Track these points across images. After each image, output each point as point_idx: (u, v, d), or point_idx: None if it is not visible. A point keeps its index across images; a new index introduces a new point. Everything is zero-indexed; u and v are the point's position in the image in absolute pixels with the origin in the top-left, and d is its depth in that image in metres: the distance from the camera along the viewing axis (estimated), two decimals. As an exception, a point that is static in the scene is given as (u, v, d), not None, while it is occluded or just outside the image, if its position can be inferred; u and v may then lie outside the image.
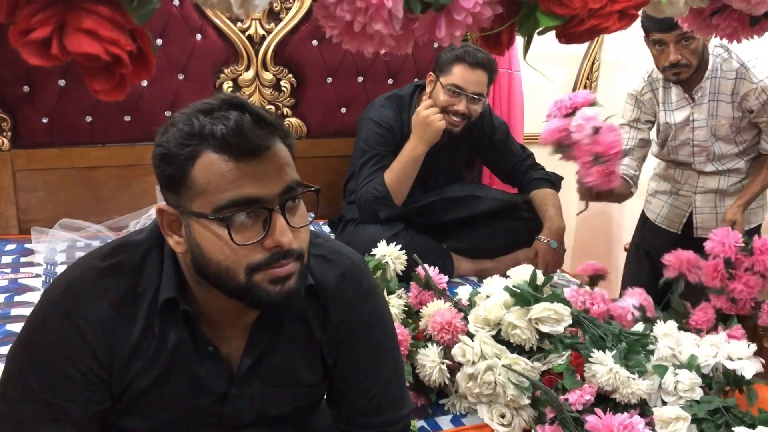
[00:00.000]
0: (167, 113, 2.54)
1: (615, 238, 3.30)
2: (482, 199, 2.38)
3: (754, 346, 1.56)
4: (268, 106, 2.65)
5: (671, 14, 0.74)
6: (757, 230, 2.31)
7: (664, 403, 1.43)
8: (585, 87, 3.30)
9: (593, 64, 3.27)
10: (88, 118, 2.44)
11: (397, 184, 2.24)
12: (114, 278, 0.92)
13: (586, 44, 3.25)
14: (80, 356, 0.89)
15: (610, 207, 3.36)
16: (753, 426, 1.30)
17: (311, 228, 1.10)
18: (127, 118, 2.49)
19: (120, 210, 2.47)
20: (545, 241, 2.27)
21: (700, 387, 1.44)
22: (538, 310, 1.45)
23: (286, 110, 2.69)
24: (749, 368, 1.49)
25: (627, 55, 3.18)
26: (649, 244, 2.46)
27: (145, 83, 2.47)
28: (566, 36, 0.68)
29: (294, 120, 2.71)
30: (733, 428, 1.29)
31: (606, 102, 3.28)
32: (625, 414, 1.16)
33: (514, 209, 2.43)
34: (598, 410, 1.19)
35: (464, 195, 2.39)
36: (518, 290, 1.51)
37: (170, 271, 0.93)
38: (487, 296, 1.60)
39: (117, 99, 0.56)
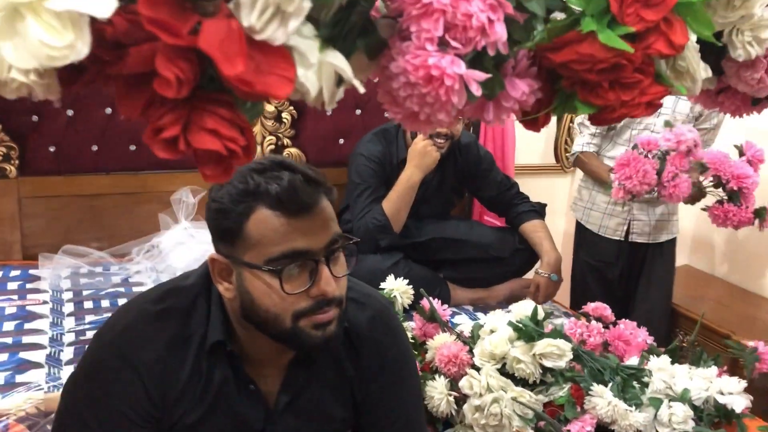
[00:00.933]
0: (171, 143, 2.60)
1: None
2: (476, 244, 2.49)
3: (744, 383, 1.66)
4: (269, 138, 2.73)
5: (689, 95, 0.84)
6: (673, 242, 2.51)
7: (659, 434, 1.52)
8: (571, 120, 3.43)
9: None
10: (94, 147, 2.50)
11: (396, 211, 2.33)
12: (166, 322, 0.99)
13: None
14: (136, 396, 0.96)
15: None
16: (743, 456, 1.40)
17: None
18: (133, 147, 2.55)
19: (123, 237, 2.52)
20: (546, 275, 2.36)
21: (692, 419, 1.53)
22: (542, 345, 1.54)
23: (286, 141, 2.77)
24: (739, 403, 1.59)
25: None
26: (593, 257, 2.62)
27: (150, 114, 2.53)
28: (598, 120, 0.77)
29: (293, 150, 2.79)
30: (724, 459, 1.38)
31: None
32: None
33: (507, 238, 2.53)
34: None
35: (460, 238, 2.48)
36: (522, 326, 1.60)
37: (218, 315, 1.00)
38: (492, 330, 1.68)
39: (222, 181, 0.63)
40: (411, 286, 1.83)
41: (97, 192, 2.53)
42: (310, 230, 0.93)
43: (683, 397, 1.55)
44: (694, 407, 1.59)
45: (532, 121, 0.83)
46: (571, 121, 3.44)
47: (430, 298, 1.84)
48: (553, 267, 2.40)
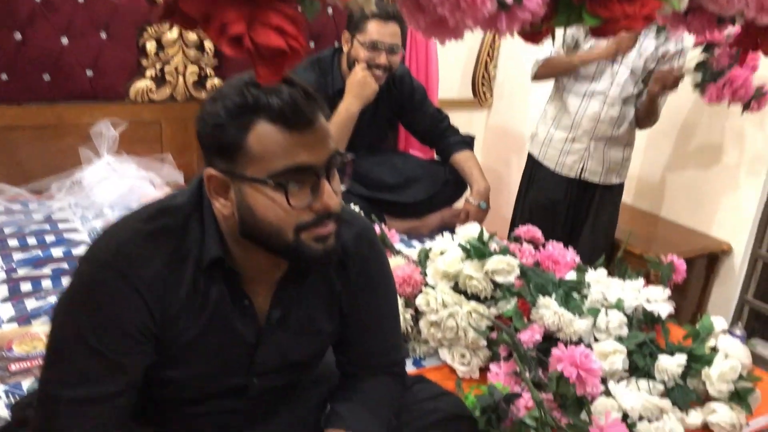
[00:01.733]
0: (89, 72, 2.46)
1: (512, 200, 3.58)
2: (415, 188, 2.53)
3: (668, 291, 1.83)
4: (191, 67, 2.63)
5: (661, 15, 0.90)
6: (622, 187, 2.64)
7: (596, 340, 1.67)
8: (488, 54, 3.51)
9: (495, 33, 3.47)
10: (4, 76, 2.32)
11: (340, 130, 2.31)
12: (161, 240, 0.98)
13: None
14: (139, 314, 0.95)
15: (507, 164, 3.64)
16: (671, 354, 1.55)
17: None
18: (46, 77, 2.39)
19: (40, 172, 2.39)
20: (475, 203, 2.45)
21: (625, 324, 1.68)
22: (494, 262, 1.63)
23: (209, 71, 2.68)
24: (664, 309, 1.76)
25: (527, 26, 3.41)
26: (543, 195, 2.67)
27: (65, 41, 2.38)
28: (600, 32, 0.82)
29: (218, 81, 2.71)
30: (657, 356, 1.54)
31: (507, 68, 3.54)
32: (582, 347, 1.37)
33: (438, 172, 2.60)
34: (560, 344, 1.39)
35: (397, 182, 2.51)
36: (472, 246, 1.68)
37: (213, 233, 1.00)
38: (442, 252, 1.75)
39: (275, 80, 0.63)
40: (362, 212, 1.86)
41: (7, 124, 2.36)
42: (312, 145, 0.93)
43: (618, 306, 1.69)
44: (625, 315, 1.74)
45: (534, 34, 0.87)
46: (488, 56, 3.53)
47: (381, 224, 1.89)
48: (482, 195, 2.49)
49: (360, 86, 2.31)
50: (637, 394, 1.44)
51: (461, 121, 3.60)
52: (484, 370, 1.61)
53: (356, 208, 1.83)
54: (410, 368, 1.65)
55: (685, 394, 1.52)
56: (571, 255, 2.06)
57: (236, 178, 0.94)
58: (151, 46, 2.53)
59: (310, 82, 2.38)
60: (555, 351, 1.37)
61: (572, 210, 2.65)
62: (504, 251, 1.68)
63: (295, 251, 0.96)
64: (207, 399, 1.10)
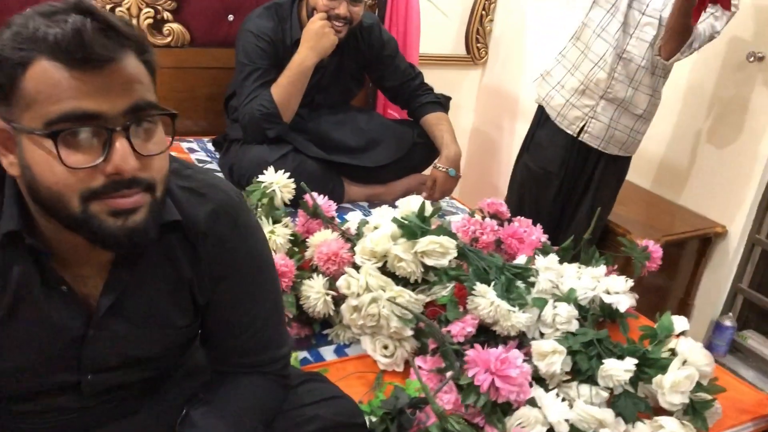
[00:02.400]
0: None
1: (505, 165, 3.34)
2: (378, 151, 2.31)
3: (631, 282, 1.62)
4: (146, 10, 2.42)
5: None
6: (628, 162, 2.39)
7: (542, 335, 1.47)
8: (483, 8, 3.25)
9: (493, -15, 3.21)
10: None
11: (287, 99, 2.12)
12: None
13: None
14: None
15: (500, 128, 3.40)
16: (621, 357, 1.35)
17: (178, 158, 1.00)
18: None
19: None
20: (444, 169, 2.24)
21: (577, 319, 1.48)
22: (424, 243, 1.43)
23: (166, 14, 2.46)
24: (624, 302, 1.55)
25: (527, -22, 3.14)
26: (537, 162, 2.40)
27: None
28: None
29: (176, 26, 2.49)
30: (603, 360, 1.34)
31: (503, 23, 3.27)
32: (501, 348, 1.17)
33: (405, 135, 2.38)
34: (477, 345, 1.20)
35: (359, 145, 2.29)
36: (406, 222, 1.48)
37: (12, 201, 0.82)
38: (375, 227, 1.56)
39: None
40: (292, 180, 1.66)
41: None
42: (103, 90, 0.74)
43: (569, 297, 1.49)
44: (580, 307, 1.54)
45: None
46: (483, 9, 3.26)
47: (313, 193, 1.69)
48: (452, 161, 2.27)
49: (317, 37, 2.09)
50: (572, 404, 1.25)
51: (453, 79, 3.36)
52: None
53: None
54: (331, 356, 1.49)
55: (632, 404, 1.32)
56: (537, 233, 1.85)
57: (16, 127, 0.75)
58: (99, -16, 2.32)
59: (267, 29, 2.17)
60: (470, 352, 1.17)
61: (567, 182, 2.38)
62: (440, 231, 1.47)
63: (85, 226, 0.77)
64: (37, 396, 0.94)
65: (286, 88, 2.11)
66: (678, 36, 2.01)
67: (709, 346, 2.53)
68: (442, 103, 2.42)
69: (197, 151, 2.51)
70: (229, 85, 2.36)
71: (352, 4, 2.12)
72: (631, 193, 2.70)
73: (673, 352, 1.39)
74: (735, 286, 2.49)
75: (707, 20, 2.00)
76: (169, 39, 2.50)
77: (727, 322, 2.46)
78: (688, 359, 1.35)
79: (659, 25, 2.10)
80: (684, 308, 2.58)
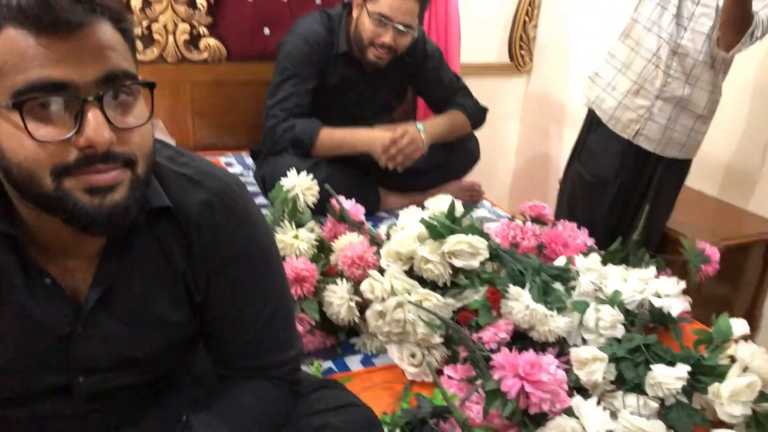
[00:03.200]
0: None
1: (553, 174, 3.21)
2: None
3: (683, 284, 1.49)
4: (182, 26, 2.43)
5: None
6: (688, 165, 2.23)
7: (585, 342, 1.35)
8: (527, 14, 3.16)
9: (536, -9, 3.11)
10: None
11: (327, 149, 2.08)
12: None
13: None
14: None
15: (547, 137, 3.27)
16: (672, 363, 1.22)
17: (172, 144, 0.95)
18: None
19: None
20: (416, 124, 2.16)
21: (623, 324, 1.36)
22: (452, 243, 1.34)
23: (202, 30, 2.47)
24: (676, 306, 1.42)
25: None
26: (589, 170, 2.27)
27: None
28: None
29: (212, 41, 2.49)
30: (651, 366, 1.21)
31: (547, 28, 3.16)
32: (531, 352, 1.06)
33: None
34: (504, 348, 1.09)
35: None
36: (434, 222, 1.39)
37: None
38: (402, 228, 1.48)
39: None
40: (315, 181, 1.60)
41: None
42: (72, 57, 0.68)
43: (613, 300, 1.37)
44: (627, 312, 1.41)
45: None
46: (527, 15, 3.16)
47: (340, 197, 1.62)
48: (427, 131, 2.15)
49: (373, 145, 2.08)
50: (617, 415, 1.13)
51: (497, 88, 3.27)
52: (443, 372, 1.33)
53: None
54: (357, 367, 1.40)
55: (686, 416, 1.19)
56: (583, 237, 1.73)
57: None
58: (135, 1, 2.34)
59: (318, 35, 2.14)
60: (497, 356, 1.07)
61: (624, 190, 2.23)
62: (470, 230, 1.37)
63: (59, 204, 0.71)
64: (25, 401, 0.89)
65: (334, 145, 2.09)
66: (736, 26, 1.87)
67: (781, 361, 2.33)
68: (470, 111, 2.32)
69: (234, 165, 2.49)
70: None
71: (399, 35, 2.06)
72: (694, 199, 2.53)
73: (733, 359, 1.25)
74: (807, 294, 2.30)
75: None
76: (205, 54, 2.50)
77: (799, 335, 2.26)
78: (750, 365, 1.21)
79: (716, 15, 1.96)
80: (751, 319, 2.38)
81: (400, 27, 2.04)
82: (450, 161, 2.29)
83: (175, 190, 0.86)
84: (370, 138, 2.10)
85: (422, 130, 2.13)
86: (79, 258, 0.84)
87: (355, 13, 2.12)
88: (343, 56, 2.17)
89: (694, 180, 2.55)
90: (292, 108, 2.08)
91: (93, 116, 0.69)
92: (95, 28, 0.70)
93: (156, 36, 2.41)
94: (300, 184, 1.56)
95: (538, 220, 1.84)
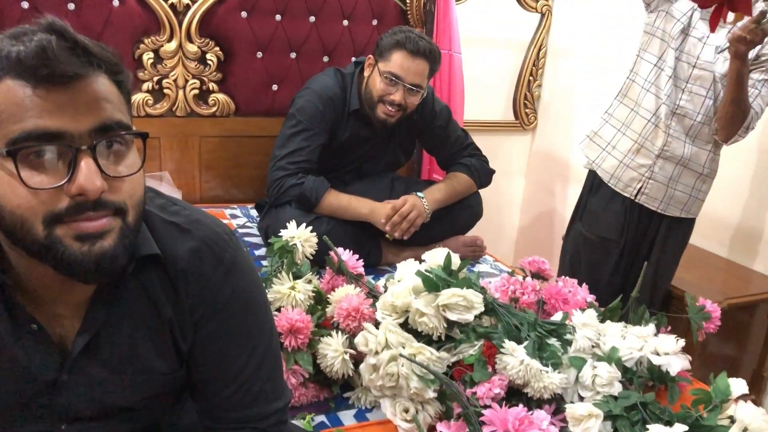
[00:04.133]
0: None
1: (558, 232, 3.21)
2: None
3: (682, 342, 1.47)
4: (192, 81, 2.49)
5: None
6: (692, 224, 2.23)
7: (582, 398, 1.33)
8: (531, 74, 3.22)
9: (539, 50, 3.18)
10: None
11: (330, 210, 2.11)
12: None
13: (533, 29, 3.16)
14: None
15: (552, 194, 3.28)
16: (670, 423, 1.20)
17: (164, 193, 0.96)
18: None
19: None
20: (419, 195, 2.17)
21: (621, 381, 1.34)
22: (447, 296, 1.33)
23: (212, 85, 2.53)
24: (675, 364, 1.40)
25: (573, 43, 3.10)
26: (592, 230, 2.27)
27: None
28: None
29: (221, 96, 2.55)
30: (648, 426, 1.19)
31: (552, 88, 3.22)
32: (521, 407, 1.05)
33: None
34: (494, 404, 1.07)
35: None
36: (429, 274, 1.39)
37: None
38: (399, 281, 1.48)
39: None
40: (315, 234, 1.61)
41: None
42: (68, 108, 0.71)
43: (611, 357, 1.35)
44: (625, 369, 1.39)
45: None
46: (531, 75, 3.22)
47: (339, 249, 1.63)
48: (428, 197, 2.17)
49: (375, 215, 2.12)
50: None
51: (502, 145, 3.31)
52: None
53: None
54: (351, 421, 1.38)
55: (685, 479, 1.16)
56: (583, 293, 1.72)
57: None
58: (147, 57, 2.41)
59: (331, 92, 2.19)
60: (487, 411, 1.05)
61: (629, 249, 2.23)
62: (464, 283, 1.37)
63: (50, 252, 0.73)
64: None
65: (338, 208, 2.11)
66: (732, 121, 1.94)
67: (790, 424, 2.27)
68: (474, 171, 2.34)
69: (239, 216, 2.52)
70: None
71: (409, 94, 2.11)
72: (701, 258, 2.52)
73: (732, 419, 1.22)
74: (815, 356, 2.25)
75: (762, 92, 1.90)
76: (214, 109, 2.56)
77: (808, 397, 2.21)
78: (749, 427, 1.18)
79: (713, 81, 2.00)
80: (758, 381, 2.35)
81: (411, 87, 2.08)
82: (452, 217, 2.30)
83: (164, 239, 0.87)
84: (372, 208, 2.12)
85: (423, 198, 2.15)
86: (67, 305, 0.85)
87: (366, 72, 2.18)
88: (354, 113, 2.21)
89: (701, 239, 2.55)
90: (301, 162, 2.11)
91: (85, 164, 0.71)
92: (91, 80, 0.72)
93: (166, 91, 2.48)
94: (299, 236, 1.57)
95: (538, 275, 1.83)
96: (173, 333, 0.89)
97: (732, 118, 1.94)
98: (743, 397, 1.28)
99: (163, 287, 0.88)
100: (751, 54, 1.89)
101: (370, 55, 2.17)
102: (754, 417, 1.19)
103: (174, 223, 0.89)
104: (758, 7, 1.77)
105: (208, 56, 2.49)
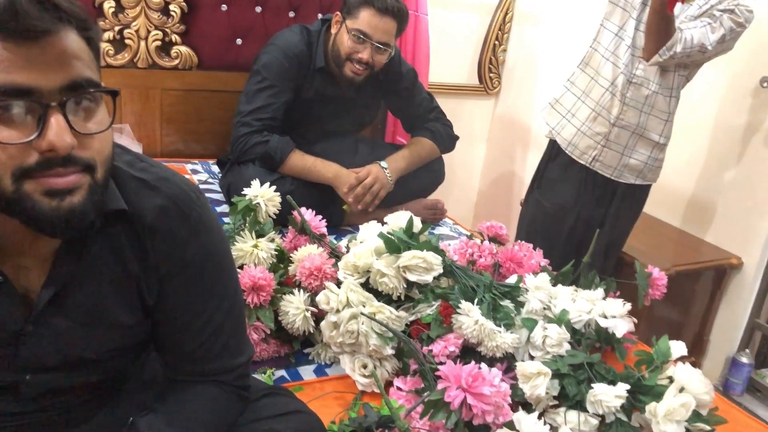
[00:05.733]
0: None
1: (517, 197, 3.28)
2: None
3: (628, 305, 1.54)
4: (154, 32, 2.44)
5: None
6: (647, 190, 2.29)
7: (532, 358, 1.39)
8: (497, 38, 3.23)
9: (506, 14, 3.19)
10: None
11: (293, 170, 2.12)
12: None
13: (500, -7, 3.16)
14: None
15: (513, 160, 3.34)
16: (614, 382, 1.27)
17: (131, 150, 0.97)
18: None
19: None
20: (380, 163, 2.19)
21: (569, 342, 1.40)
22: (407, 258, 1.37)
23: (175, 37, 2.48)
24: (621, 327, 1.47)
25: (540, 7, 3.12)
26: (548, 199, 2.31)
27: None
28: None
29: (184, 49, 2.51)
30: (593, 384, 1.25)
31: (517, 53, 3.24)
32: (474, 364, 1.10)
33: None
34: (449, 361, 1.12)
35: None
36: (391, 237, 1.43)
37: None
38: (361, 242, 1.51)
39: None
40: (278, 193, 1.62)
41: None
42: (38, 63, 0.71)
43: (560, 319, 1.41)
44: (574, 331, 1.46)
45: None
46: (497, 39, 3.24)
47: (302, 209, 1.65)
48: (392, 166, 2.20)
49: (339, 181, 2.12)
50: (558, 430, 1.17)
51: (466, 109, 3.33)
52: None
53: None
54: (310, 376, 1.42)
55: (624, 433, 1.23)
56: (537, 257, 1.78)
57: None
58: (108, 6, 2.35)
59: (297, 48, 2.16)
60: (443, 367, 1.10)
61: (583, 217, 2.27)
62: (425, 246, 1.41)
63: (18, 206, 0.73)
64: None
65: (300, 168, 2.12)
66: (656, 36, 1.94)
67: (726, 385, 2.40)
68: (439, 136, 2.36)
69: (200, 172, 2.50)
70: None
71: (377, 52, 2.11)
72: (654, 227, 2.61)
73: (671, 380, 1.30)
74: (752, 321, 2.38)
75: (700, 27, 1.93)
76: (177, 61, 2.51)
77: (744, 359, 2.34)
78: (686, 387, 1.25)
79: None
80: (699, 344, 2.47)
81: (378, 45, 2.08)
82: (415, 180, 2.32)
83: (132, 195, 0.88)
84: (337, 173, 2.13)
85: (386, 168, 2.17)
86: (33, 257, 0.85)
87: (333, 29, 2.16)
88: (320, 71, 2.20)
89: (655, 208, 2.64)
90: (266, 119, 2.11)
91: (55, 121, 0.71)
92: (61, 36, 0.72)
93: (128, 41, 2.42)
94: (262, 195, 1.59)
95: (495, 239, 1.88)
96: (139, 287, 0.91)
97: (656, 32, 1.93)
98: (683, 358, 1.35)
99: (130, 242, 0.89)
100: (704, 4, 1.96)
101: (338, 12, 2.15)
102: (690, 377, 1.26)
103: (142, 179, 0.90)
104: None
105: (171, 7, 2.43)
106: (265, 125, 2.11)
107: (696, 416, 1.24)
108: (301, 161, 2.11)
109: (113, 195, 0.86)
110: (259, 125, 2.10)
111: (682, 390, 1.25)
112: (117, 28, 2.39)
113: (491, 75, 3.31)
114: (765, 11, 1.91)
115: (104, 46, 2.39)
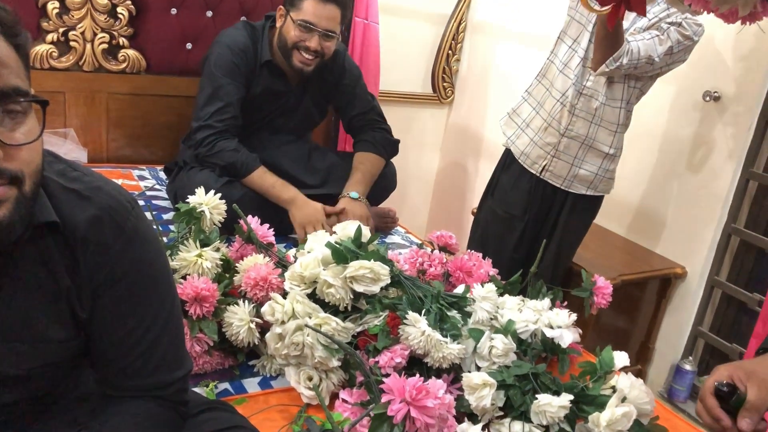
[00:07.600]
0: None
1: (469, 206, 3.30)
2: (333, 184, 2.27)
3: (574, 316, 1.55)
4: (101, 35, 2.38)
5: None
6: (598, 201, 2.32)
7: (479, 369, 1.39)
8: (450, 47, 3.26)
9: (459, 24, 3.22)
10: None
11: (253, 187, 2.10)
12: None
13: (454, 3, 3.18)
14: None
15: (465, 169, 3.36)
16: (558, 393, 1.28)
17: (65, 158, 0.93)
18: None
19: None
20: (346, 194, 2.19)
21: (516, 353, 1.40)
22: (354, 268, 1.36)
23: (122, 40, 2.43)
24: (567, 337, 1.48)
25: (493, 18, 3.15)
26: (501, 206, 2.33)
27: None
28: None
29: (132, 52, 2.46)
30: (537, 394, 1.26)
31: (470, 63, 3.27)
32: (418, 377, 1.09)
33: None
34: (394, 373, 1.11)
35: (315, 183, 2.26)
36: (339, 246, 1.41)
37: None
38: (309, 252, 1.49)
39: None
40: (224, 201, 1.59)
41: None
42: None
43: (507, 329, 1.42)
44: (520, 341, 1.47)
45: None
46: (450, 49, 3.26)
47: (249, 217, 1.62)
48: (360, 191, 2.21)
49: (305, 220, 2.09)
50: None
51: (419, 118, 3.34)
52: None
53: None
54: (255, 389, 1.40)
55: (568, 443, 1.24)
56: (486, 267, 1.78)
57: None
58: (52, 6, 2.28)
59: (242, 45, 2.15)
60: (387, 380, 1.09)
61: (531, 226, 2.30)
62: (372, 255, 1.40)
63: None
64: None
65: (260, 186, 2.10)
66: (603, 47, 1.97)
67: (670, 391, 2.45)
68: (382, 144, 2.36)
69: (148, 178, 2.45)
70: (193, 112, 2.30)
71: (324, 39, 2.10)
72: (604, 238, 2.65)
73: (614, 389, 1.31)
74: (695, 329, 2.43)
75: (647, 39, 1.97)
76: (124, 65, 2.46)
77: (687, 366, 2.39)
78: (628, 396, 1.27)
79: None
80: (645, 352, 2.51)
81: (325, 32, 2.08)
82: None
83: (63, 206, 0.85)
84: (294, 198, 2.10)
85: (359, 197, 2.18)
86: None
87: (278, 23, 2.16)
88: (267, 66, 2.19)
89: (604, 219, 2.68)
90: (227, 119, 2.10)
91: None
92: None
93: (73, 43, 2.36)
94: (207, 203, 1.55)
95: (445, 249, 1.89)
96: (70, 301, 0.88)
97: (603, 43, 1.95)
98: (626, 368, 1.37)
99: (62, 255, 0.85)
100: (653, 17, 2.00)
101: (281, 6, 2.15)
102: (632, 387, 1.28)
103: (74, 190, 0.87)
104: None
105: (119, 9, 2.39)
106: (227, 125, 2.09)
107: (637, 425, 1.25)
108: (261, 179, 2.09)
109: (44, 207, 0.83)
110: (221, 126, 2.08)
111: (624, 400, 1.27)
112: (61, 30, 2.33)
113: (445, 84, 3.33)
114: (706, 28, 1.96)
115: (47, 48, 2.32)
